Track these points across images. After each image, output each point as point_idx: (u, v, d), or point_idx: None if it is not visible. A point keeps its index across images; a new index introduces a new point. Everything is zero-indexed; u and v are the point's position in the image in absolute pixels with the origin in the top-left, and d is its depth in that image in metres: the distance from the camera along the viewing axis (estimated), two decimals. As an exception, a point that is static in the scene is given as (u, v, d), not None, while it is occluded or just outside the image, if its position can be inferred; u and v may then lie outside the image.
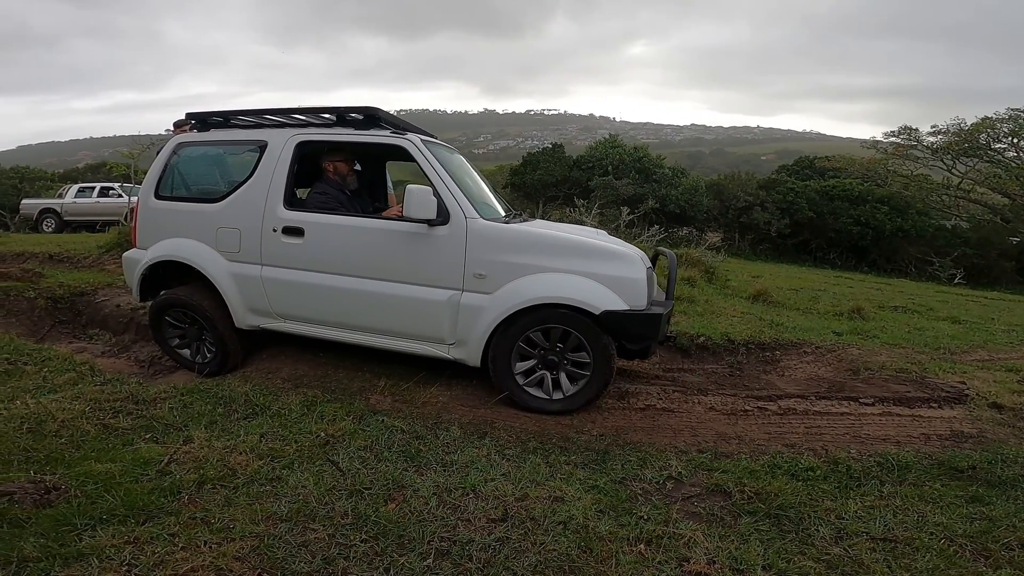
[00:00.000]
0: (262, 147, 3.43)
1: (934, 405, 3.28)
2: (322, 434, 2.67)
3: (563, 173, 20.05)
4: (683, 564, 1.89)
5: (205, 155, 3.74)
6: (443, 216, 3.05)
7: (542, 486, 2.34)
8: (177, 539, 1.92)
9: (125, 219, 7.77)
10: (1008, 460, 2.61)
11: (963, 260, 18.61)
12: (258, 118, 3.54)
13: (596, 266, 2.99)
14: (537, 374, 3.11)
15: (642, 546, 1.99)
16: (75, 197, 14.23)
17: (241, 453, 2.46)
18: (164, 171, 3.64)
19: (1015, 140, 19.08)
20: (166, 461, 2.37)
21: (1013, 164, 19.39)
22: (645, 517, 2.15)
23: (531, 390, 3.10)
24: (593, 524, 2.10)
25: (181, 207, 3.58)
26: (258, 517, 2.06)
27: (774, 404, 3.30)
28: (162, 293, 3.64)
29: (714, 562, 1.90)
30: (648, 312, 2.95)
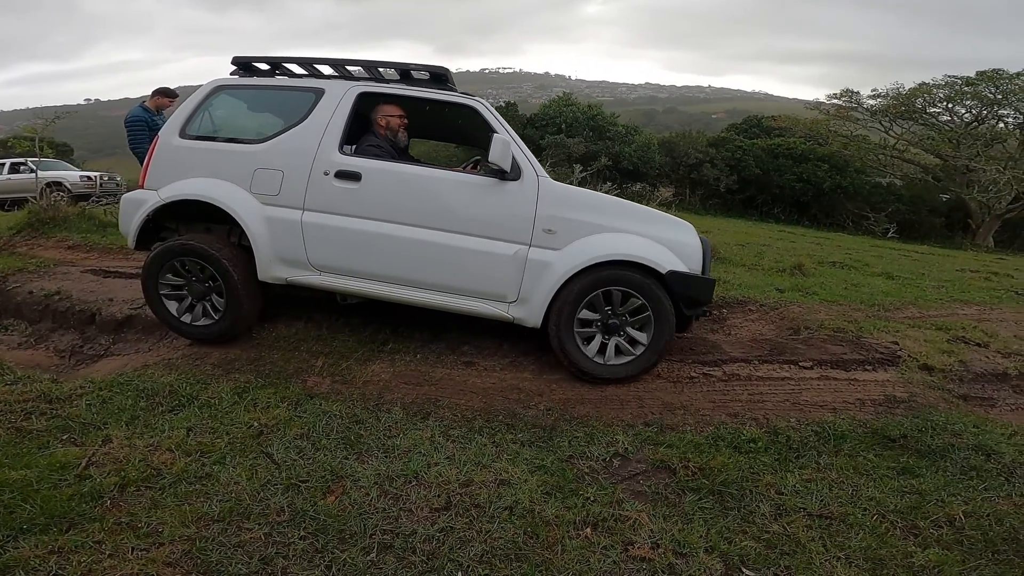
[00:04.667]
0: (318, 94, 3.32)
1: (868, 368, 3.39)
2: (255, 424, 2.53)
3: (516, 131, 19.77)
4: (628, 548, 1.89)
5: (247, 98, 3.61)
6: (515, 172, 3.07)
7: (488, 468, 2.30)
8: (103, 546, 1.81)
9: (38, 196, 7.14)
10: (937, 428, 2.70)
11: (896, 215, 19.62)
12: (308, 67, 3.43)
13: (659, 230, 3.12)
14: (604, 341, 3.11)
15: (588, 530, 1.98)
16: None
17: (166, 451, 2.30)
18: (196, 111, 3.41)
19: (949, 105, 19.97)
20: (84, 464, 2.20)
21: (946, 127, 20.36)
22: (591, 498, 2.14)
23: (589, 353, 3.08)
24: (539, 508, 2.07)
25: (211, 146, 3.34)
26: (188, 519, 1.95)
27: (719, 370, 3.34)
28: (156, 243, 3.31)
29: (658, 546, 1.91)
30: (707, 276, 3.12)
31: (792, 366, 3.39)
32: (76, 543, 1.80)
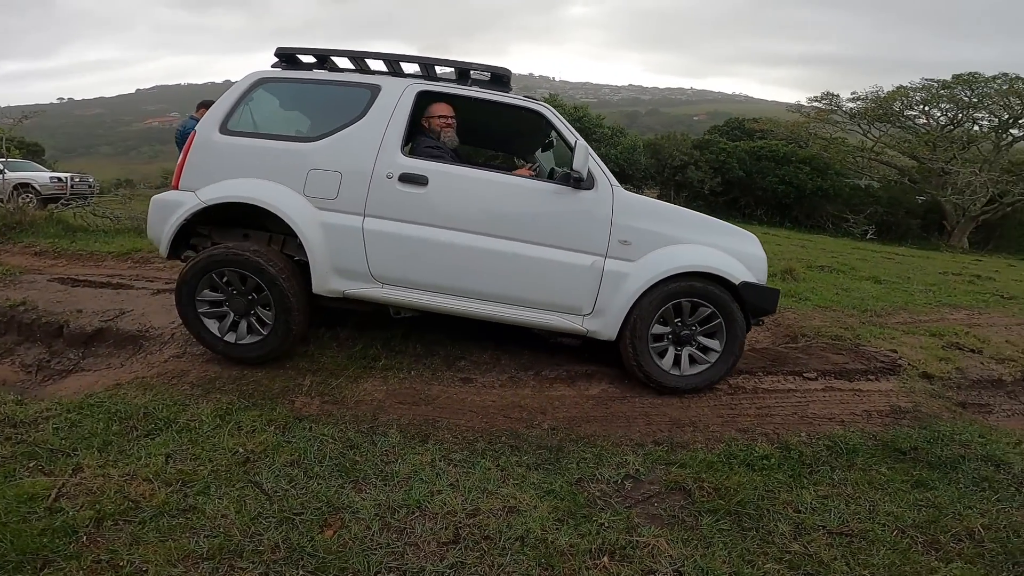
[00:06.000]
0: (374, 91, 3.11)
1: (871, 377, 3.35)
2: (240, 450, 2.34)
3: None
4: (649, 579, 1.78)
5: (292, 92, 3.32)
6: (590, 181, 2.99)
7: (494, 495, 2.16)
8: (84, 587, 1.63)
9: (5, 199, 6.83)
10: (944, 438, 2.68)
11: (874, 217, 19.97)
12: (358, 62, 3.24)
13: (729, 241, 3.13)
14: (671, 351, 3.11)
15: (605, 559, 1.87)
16: None
17: (144, 480, 2.11)
18: (237, 105, 3.12)
19: (926, 108, 20.42)
20: (53, 496, 2.01)
21: (923, 130, 20.80)
22: (606, 525, 2.03)
23: (662, 364, 3.05)
24: (552, 537, 1.95)
25: (256, 144, 3.05)
26: (174, 557, 1.78)
27: (723, 382, 3.26)
28: (186, 252, 3.05)
29: (681, 574, 1.80)
30: (773, 287, 3.16)
31: (796, 377, 3.33)
32: (53, 583, 1.63)
